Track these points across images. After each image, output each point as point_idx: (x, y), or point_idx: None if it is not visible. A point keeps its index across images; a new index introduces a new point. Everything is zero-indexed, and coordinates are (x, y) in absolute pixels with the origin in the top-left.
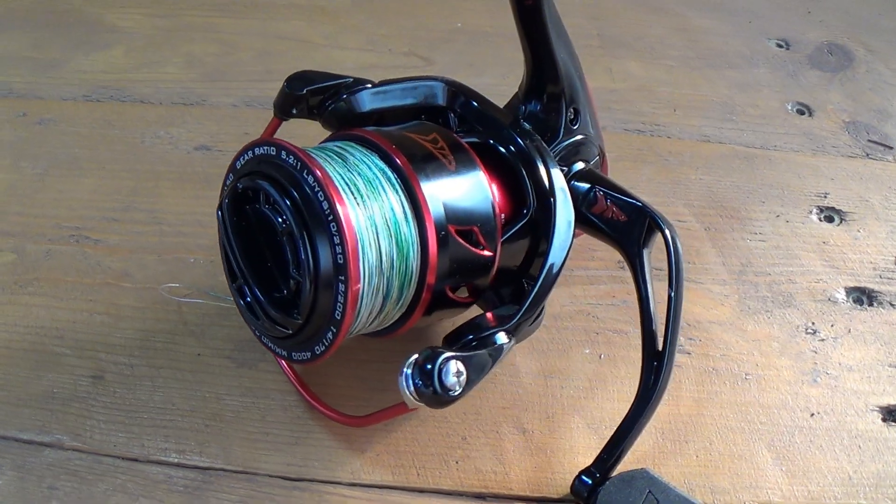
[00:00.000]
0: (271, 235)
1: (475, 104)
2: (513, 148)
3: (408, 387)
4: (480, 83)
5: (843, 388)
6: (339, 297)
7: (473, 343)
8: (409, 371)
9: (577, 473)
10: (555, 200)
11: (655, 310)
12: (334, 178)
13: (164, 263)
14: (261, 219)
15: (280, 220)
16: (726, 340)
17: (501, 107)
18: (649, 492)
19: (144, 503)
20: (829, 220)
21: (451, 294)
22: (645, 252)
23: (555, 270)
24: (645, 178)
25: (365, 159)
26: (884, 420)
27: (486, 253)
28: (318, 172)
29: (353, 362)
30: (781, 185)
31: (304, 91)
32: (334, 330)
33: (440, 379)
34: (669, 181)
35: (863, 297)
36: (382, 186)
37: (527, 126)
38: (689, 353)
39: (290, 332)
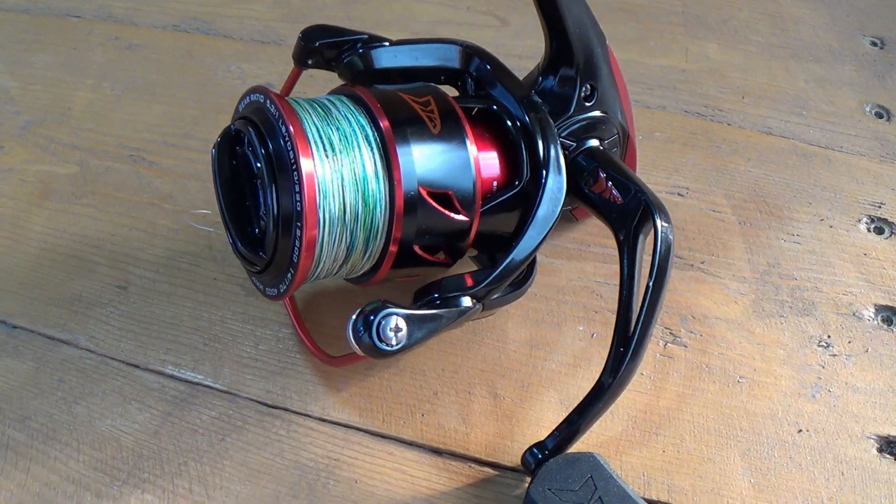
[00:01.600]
0: (250, 177)
1: (490, 70)
2: (517, 119)
3: (351, 333)
4: (538, 45)
5: (841, 409)
6: (297, 241)
7: (437, 302)
8: (355, 318)
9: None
10: (546, 174)
11: (636, 296)
12: (309, 131)
13: (205, 191)
14: (245, 161)
15: (257, 165)
16: (729, 339)
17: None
18: (590, 477)
19: (134, 406)
20: (879, 231)
21: (422, 253)
22: (639, 237)
23: (532, 243)
24: (690, 162)
25: (349, 115)
26: (879, 450)
27: (461, 217)
28: (290, 126)
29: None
30: (836, 188)
31: (317, 44)
32: (293, 271)
33: (378, 331)
34: (715, 169)
35: (893, 317)
36: (358, 142)
37: (536, 99)
38: (685, 346)
39: (259, 268)
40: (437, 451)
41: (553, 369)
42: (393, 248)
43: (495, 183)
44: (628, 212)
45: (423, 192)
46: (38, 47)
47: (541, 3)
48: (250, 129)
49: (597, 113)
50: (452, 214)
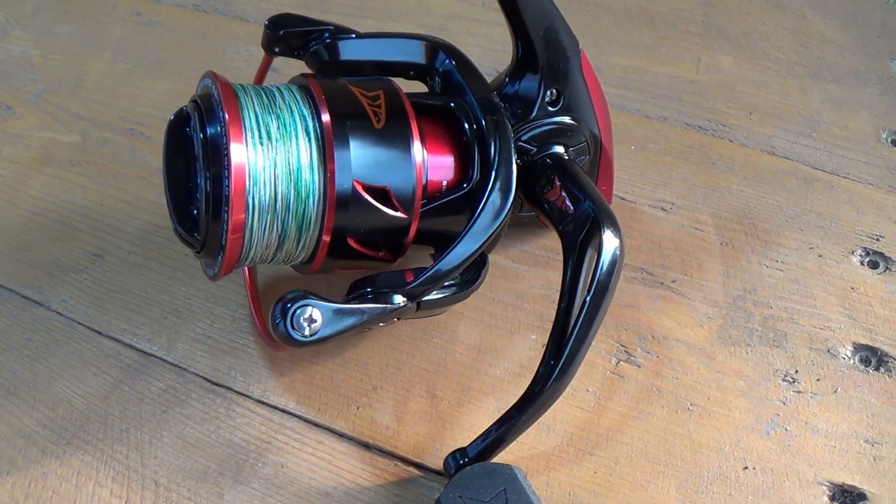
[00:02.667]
0: (193, 159)
1: (455, 68)
2: (474, 119)
3: (270, 320)
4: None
5: (796, 450)
6: (225, 224)
7: (369, 296)
8: (275, 305)
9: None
10: (494, 178)
11: (575, 310)
12: (247, 118)
13: None
14: (190, 143)
15: (196, 147)
16: (687, 364)
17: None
18: (504, 490)
19: (91, 370)
20: (873, 265)
21: (357, 246)
22: (587, 250)
23: (467, 248)
24: (680, 177)
25: (293, 104)
26: (831, 498)
27: (398, 214)
28: (226, 112)
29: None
30: (833, 216)
31: (281, 33)
32: (222, 254)
33: (291, 319)
34: (705, 185)
35: (871, 357)
36: (296, 132)
37: (496, 100)
38: (638, 366)
39: (196, 248)
40: (366, 446)
41: (497, 376)
42: (326, 239)
43: (445, 183)
44: (577, 222)
45: (358, 187)
46: (63, 18)
47: (502, 3)
48: (195, 113)
49: (563, 119)
50: (389, 211)
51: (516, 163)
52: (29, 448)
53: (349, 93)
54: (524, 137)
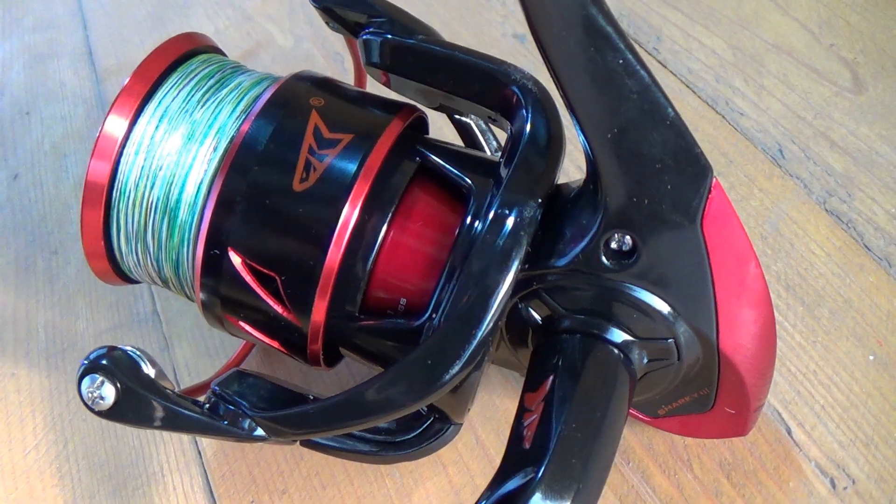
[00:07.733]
0: None
1: (522, 135)
2: (479, 223)
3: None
4: (885, 151)
5: None
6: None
7: (227, 403)
8: (92, 352)
9: None
10: (436, 336)
11: None
12: (155, 108)
13: None
14: None
15: None
16: None
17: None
18: None
19: (111, 303)
20: None
21: (243, 326)
22: None
23: (360, 414)
24: (861, 409)
25: (222, 114)
26: None
27: (286, 316)
28: (123, 95)
29: None
30: None
31: (321, 6)
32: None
33: (81, 381)
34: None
35: None
36: (196, 154)
37: (533, 204)
38: None
39: None
40: None
41: None
42: (199, 301)
43: (403, 301)
44: (512, 467)
45: (237, 260)
46: None
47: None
48: None
49: (632, 289)
50: (274, 305)
51: (500, 323)
52: (21, 341)
53: (297, 123)
54: (551, 290)
